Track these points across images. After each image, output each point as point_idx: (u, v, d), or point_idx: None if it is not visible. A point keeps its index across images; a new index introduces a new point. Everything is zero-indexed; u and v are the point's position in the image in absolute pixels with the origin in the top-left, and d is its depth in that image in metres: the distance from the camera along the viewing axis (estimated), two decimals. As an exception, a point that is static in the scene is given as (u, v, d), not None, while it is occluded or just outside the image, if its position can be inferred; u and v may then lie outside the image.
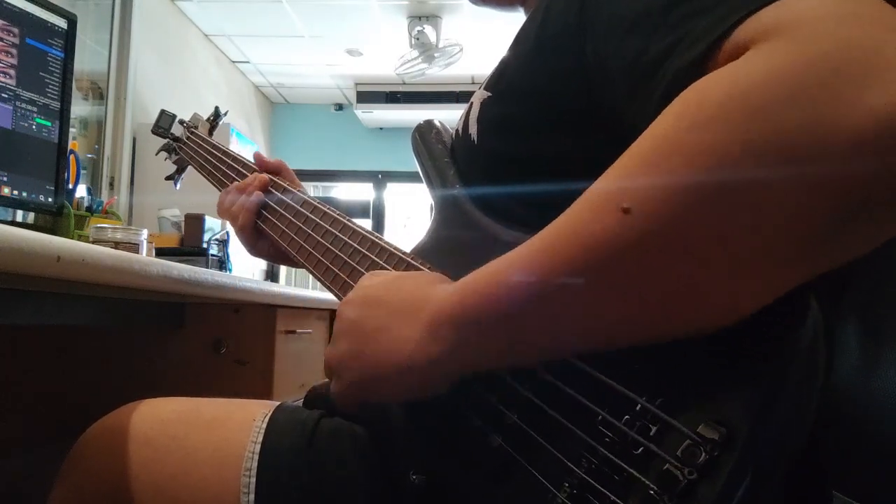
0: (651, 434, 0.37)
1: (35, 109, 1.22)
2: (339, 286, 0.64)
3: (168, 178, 1.14)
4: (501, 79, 0.57)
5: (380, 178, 5.14)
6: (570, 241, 0.38)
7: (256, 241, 0.84)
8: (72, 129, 2.02)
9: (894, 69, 0.29)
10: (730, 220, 0.32)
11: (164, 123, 1.11)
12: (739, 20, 0.34)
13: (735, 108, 0.32)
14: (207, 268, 1.91)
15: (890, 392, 0.45)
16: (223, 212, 0.88)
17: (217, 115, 1.11)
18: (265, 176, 0.84)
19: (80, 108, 2.96)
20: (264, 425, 0.58)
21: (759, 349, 0.35)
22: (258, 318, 1.32)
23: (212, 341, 1.31)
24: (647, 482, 0.36)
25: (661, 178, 0.34)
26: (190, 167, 1.09)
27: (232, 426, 0.59)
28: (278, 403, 0.62)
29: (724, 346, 0.36)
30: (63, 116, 1.28)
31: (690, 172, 0.33)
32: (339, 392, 0.50)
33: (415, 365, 0.44)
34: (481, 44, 3.85)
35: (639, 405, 0.38)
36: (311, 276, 0.71)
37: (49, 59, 1.25)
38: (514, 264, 0.41)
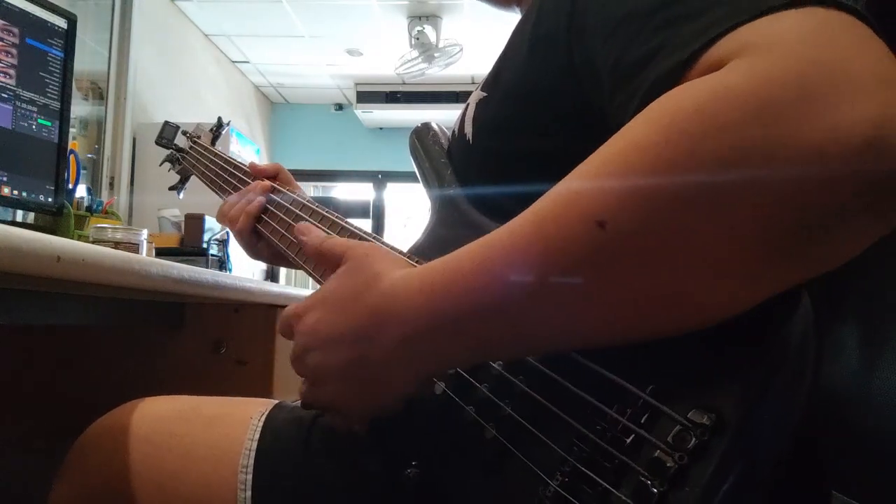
0: (642, 421, 0.37)
1: (35, 109, 1.22)
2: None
3: (172, 188, 1.14)
4: (496, 79, 0.58)
5: (380, 178, 5.14)
6: (541, 248, 0.37)
7: (255, 245, 0.87)
8: (72, 129, 2.02)
9: (859, 90, 0.30)
10: (703, 229, 0.33)
11: (167, 135, 1.11)
12: (720, 34, 0.35)
13: (705, 121, 0.32)
14: (207, 268, 1.92)
15: (889, 392, 0.45)
16: (222, 217, 0.90)
17: (220, 125, 1.11)
18: (267, 183, 0.86)
19: (80, 108, 2.96)
20: (261, 423, 0.58)
21: (751, 339, 0.35)
22: (258, 318, 1.32)
23: (212, 341, 1.31)
24: (639, 468, 0.36)
25: (632, 189, 0.34)
26: (193, 177, 1.09)
27: (230, 424, 0.59)
28: (276, 402, 0.62)
29: (715, 335, 0.36)
30: (63, 116, 1.28)
31: (662, 183, 0.33)
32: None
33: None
34: (481, 44, 3.85)
35: (630, 393, 0.38)
36: (310, 277, 0.72)
37: (49, 59, 1.25)
38: (479, 270, 0.40)
